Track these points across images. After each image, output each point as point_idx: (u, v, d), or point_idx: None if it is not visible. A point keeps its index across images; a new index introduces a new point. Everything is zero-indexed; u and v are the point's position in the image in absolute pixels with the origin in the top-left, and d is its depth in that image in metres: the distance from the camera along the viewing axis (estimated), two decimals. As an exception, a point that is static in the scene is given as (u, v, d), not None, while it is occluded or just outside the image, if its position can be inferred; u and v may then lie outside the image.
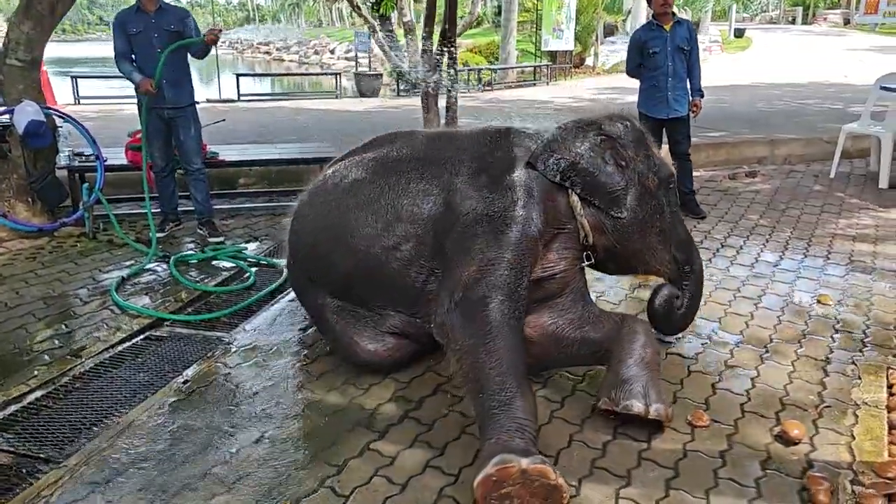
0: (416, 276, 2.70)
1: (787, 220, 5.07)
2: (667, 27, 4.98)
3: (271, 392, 2.79)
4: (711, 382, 2.82)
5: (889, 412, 2.56)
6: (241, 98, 12.28)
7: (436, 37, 6.76)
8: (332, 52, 35.45)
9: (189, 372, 2.96)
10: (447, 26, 6.61)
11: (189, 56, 4.56)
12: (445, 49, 6.49)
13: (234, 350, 3.17)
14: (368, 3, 14.75)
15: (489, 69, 15.76)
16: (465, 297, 2.43)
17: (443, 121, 6.95)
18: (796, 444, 2.38)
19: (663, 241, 2.83)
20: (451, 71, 6.83)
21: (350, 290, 2.88)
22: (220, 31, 4.39)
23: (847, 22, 33.29)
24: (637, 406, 2.41)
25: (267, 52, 44.29)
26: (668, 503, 2.12)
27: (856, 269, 4.05)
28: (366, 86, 13.00)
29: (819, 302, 3.56)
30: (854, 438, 2.41)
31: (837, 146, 6.18)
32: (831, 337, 3.19)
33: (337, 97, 12.93)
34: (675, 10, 5.08)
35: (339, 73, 13.48)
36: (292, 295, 3.77)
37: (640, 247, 2.78)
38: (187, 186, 4.85)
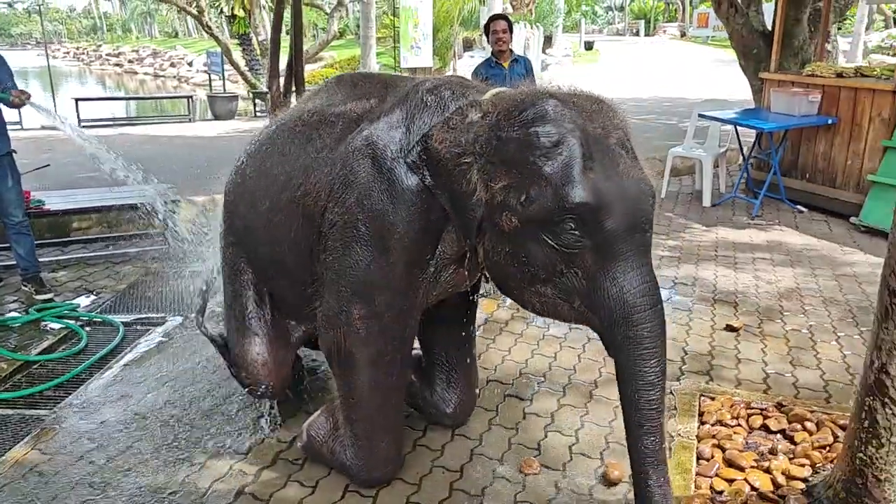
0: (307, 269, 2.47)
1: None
2: (505, 64, 5.17)
3: (95, 483, 2.60)
4: (544, 424, 2.94)
5: (699, 441, 2.79)
6: (83, 124, 11.46)
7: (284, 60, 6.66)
8: (189, 64, 33.97)
9: None
10: (294, 57, 6.51)
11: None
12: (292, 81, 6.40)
13: (56, 432, 2.94)
14: (223, 16, 14.27)
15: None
16: (344, 349, 2.35)
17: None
18: (616, 484, 2.54)
19: (557, 291, 2.01)
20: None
21: (265, 273, 2.71)
22: (29, 97, 4.13)
23: (683, 34, 36.13)
24: None
25: (118, 64, 41.71)
26: (497, 562, 2.19)
27: (678, 292, 4.39)
28: (220, 108, 12.52)
29: (645, 330, 3.82)
30: (667, 473, 2.60)
31: (665, 168, 6.68)
32: (653, 366, 3.42)
33: (190, 120, 12.38)
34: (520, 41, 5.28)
35: (191, 96, 12.90)
36: (128, 358, 3.58)
37: (503, 287, 2.19)
38: (7, 239, 4.46)
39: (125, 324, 4.00)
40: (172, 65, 35.63)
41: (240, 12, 14.21)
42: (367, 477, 2.53)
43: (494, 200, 2.00)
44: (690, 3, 36.82)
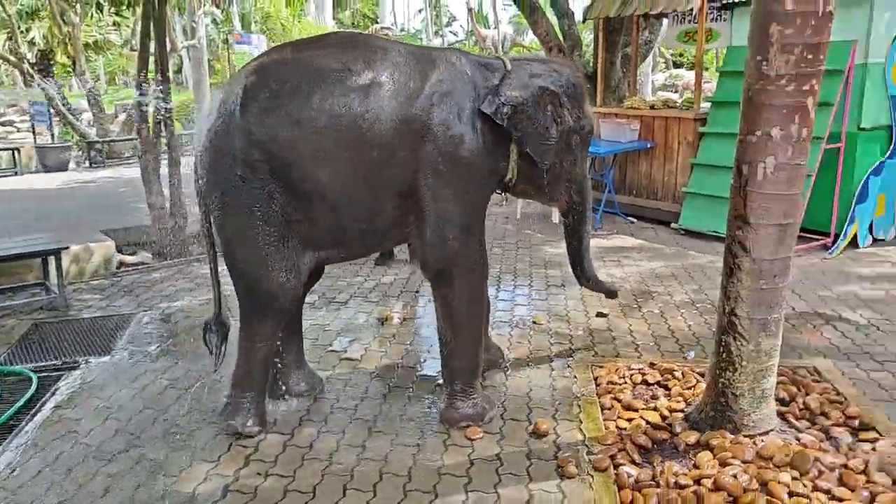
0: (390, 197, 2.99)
1: (493, 257, 6.10)
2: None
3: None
4: (475, 403, 3.46)
5: (599, 398, 3.45)
6: None
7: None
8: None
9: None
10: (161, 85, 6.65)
11: None
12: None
13: (12, 470, 2.98)
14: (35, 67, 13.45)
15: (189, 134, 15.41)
16: (460, 254, 3.07)
17: (166, 191, 6.87)
18: (546, 435, 3.12)
19: (568, 186, 3.43)
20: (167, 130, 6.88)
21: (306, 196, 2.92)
22: None
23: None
24: None
25: None
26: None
27: (552, 291, 5.14)
28: (52, 159, 11.84)
29: (535, 322, 4.49)
30: (581, 422, 3.23)
31: (519, 192, 7.57)
32: (549, 348, 4.10)
33: (16, 174, 11.57)
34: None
35: (18, 148, 12.05)
36: (56, 400, 3.61)
37: (549, 189, 3.32)
38: None
39: (35, 370, 3.97)
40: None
41: (63, 59, 13.55)
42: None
43: (568, 127, 3.19)
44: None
